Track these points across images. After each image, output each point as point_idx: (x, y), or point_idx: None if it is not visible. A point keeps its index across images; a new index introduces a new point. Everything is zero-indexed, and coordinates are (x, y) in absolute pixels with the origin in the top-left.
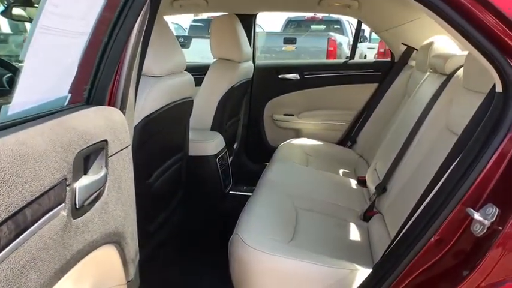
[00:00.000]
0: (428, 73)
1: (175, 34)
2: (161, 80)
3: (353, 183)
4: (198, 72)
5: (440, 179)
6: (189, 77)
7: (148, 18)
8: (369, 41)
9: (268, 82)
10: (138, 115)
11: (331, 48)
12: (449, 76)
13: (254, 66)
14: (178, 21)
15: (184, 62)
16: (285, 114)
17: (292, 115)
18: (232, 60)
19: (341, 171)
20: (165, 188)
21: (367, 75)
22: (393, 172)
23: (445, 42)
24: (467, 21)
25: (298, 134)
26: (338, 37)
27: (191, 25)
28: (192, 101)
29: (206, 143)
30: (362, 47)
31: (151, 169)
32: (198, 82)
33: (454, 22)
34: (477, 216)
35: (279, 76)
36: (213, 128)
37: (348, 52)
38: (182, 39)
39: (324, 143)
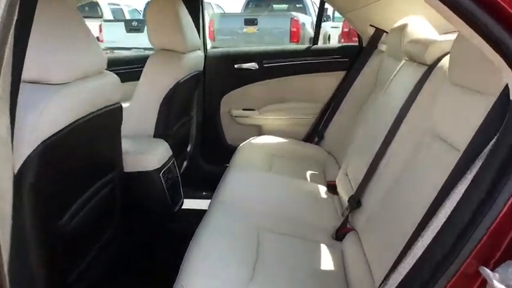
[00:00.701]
0: (403, 61)
1: (129, 17)
2: (65, 88)
3: (322, 190)
4: (140, 64)
5: (434, 211)
6: (111, 79)
7: (21, 5)
8: (333, 20)
9: (222, 73)
10: (32, 139)
11: (295, 29)
12: (431, 67)
13: (205, 55)
14: (134, 4)
15: (104, 59)
16: (244, 109)
17: (253, 110)
18: (175, 50)
19: (309, 173)
20: (88, 224)
21: (333, 62)
22: (368, 182)
23: (420, 25)
24: None
25: (260, 130)
26: (301, 17)
27: (146, 7)
28: (120, 107)
29: (146, 156)
30: (326, 26)
31: (62, 206)
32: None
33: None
34: (495, 280)
35: (235, 66)
36: (157, 133)
37: (311, 33)
38: (136, 23)
39: (289, 140)
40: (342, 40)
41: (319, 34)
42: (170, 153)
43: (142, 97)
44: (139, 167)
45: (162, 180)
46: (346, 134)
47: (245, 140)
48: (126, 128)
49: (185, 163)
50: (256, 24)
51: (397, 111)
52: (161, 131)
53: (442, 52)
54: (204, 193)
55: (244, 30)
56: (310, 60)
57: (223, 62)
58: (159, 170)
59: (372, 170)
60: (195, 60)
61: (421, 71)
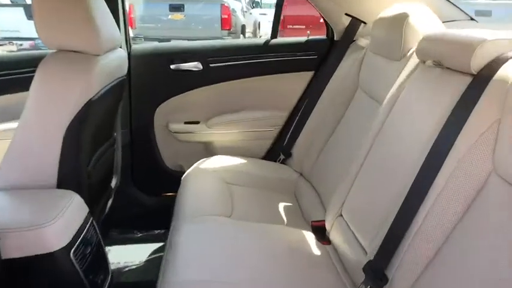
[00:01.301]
0: (411, 63)
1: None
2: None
3: (311, 242)
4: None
5: None
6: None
7: None
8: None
9: (155, 77)
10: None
11: (226, 16)
12: (483, 78)
13: (129, 54)
14: None
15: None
16: (187, 123)
17: (198, 122)
18: (84, 52)
19: (283, 209)
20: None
21: (298, 60)
22: (396, 244)
23: (423, 14)
24: None
25: (208, 149)
26: (231, 3)
27: None
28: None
29: (41, 231)
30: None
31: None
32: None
33: None
34: None
35: (172, 67)
36: (63, 180)
37: (242, 20)
38: None
39: (248, 160)
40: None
41: (278, 24)
42: (85, 211)
43: (33, 127)
44: (31, 249)
45: (75, 262)
46: (320, 152)
47: (189, 162)
48: (11, 176)
49: (110, 202)
50: (183, 10)
51: (427, 137)
52: (70, 175)
53: (490, 57)
54: (139, 233)
55: (170, 17)
56: (270, 57)
57: (155, 62)
58: (67, 248)
59: (400, 225)
60: (115, 63)
61: (463, 83)
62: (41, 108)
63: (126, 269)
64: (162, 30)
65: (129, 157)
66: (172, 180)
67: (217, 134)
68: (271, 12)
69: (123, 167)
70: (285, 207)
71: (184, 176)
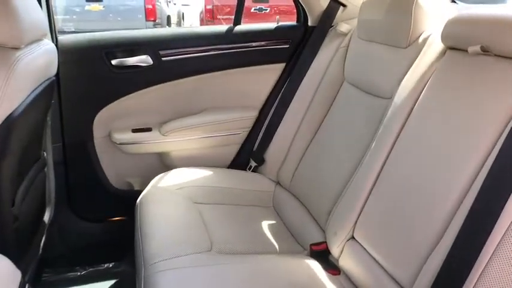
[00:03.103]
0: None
1: None
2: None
3: (321, 277)
4: None
5: None
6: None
7: None
8: None
9: (92, 76)
10: None
11: (150, 6)
12: None
13: (57, 47)
14: None
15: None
16: (135, 131)
17: (149, 130)
18: None
19: (266, 226)
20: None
21: (267, 50)
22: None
23: None
24: None
25: (164, 161)
26: None
27: None
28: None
29: None
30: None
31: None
32: None
33: None
34: None
35: (113, 62)
36: None
37: (167, 10)
38: None
39: (215, 171)
40: (206, 19)
41: (242, 7)
42: (16, 279)
43: None
44: None
45: None
46: (308, 159)
47: (141, 178)
48: None
49: (43, 240)
50: (101, 0)
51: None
52: None
53: None
54: (82, 271)
55: (87, 7)
56: (234, 48)
57: (90, 57)
58: None
59: (465, 253)
60: (42, 59)
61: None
62: None
63: None
64: (78, 23)
65: (64, 178)
66: (122, 202)
67: (174, 142)
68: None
69: (57, 192)
70: (270, 227)
71: (139, 199)
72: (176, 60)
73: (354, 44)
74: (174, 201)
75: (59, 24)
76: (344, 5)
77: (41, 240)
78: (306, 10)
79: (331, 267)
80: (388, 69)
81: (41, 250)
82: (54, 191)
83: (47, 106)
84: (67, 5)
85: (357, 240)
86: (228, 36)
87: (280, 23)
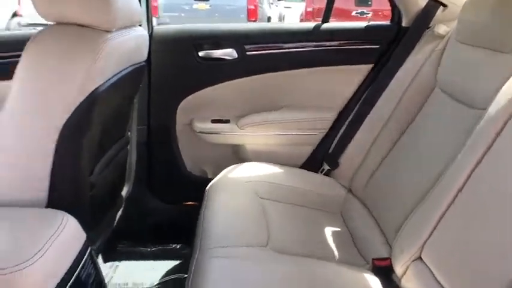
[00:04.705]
0: None
1: None
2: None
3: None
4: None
5: None
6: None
7: None
8: None
9: (180, 65)
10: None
11: (252, 7)
12: None
13: (151, 36)
14: None
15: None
16: (214, 121)
17: (227, 122)
18: (92, 26)
19: (330, 233)
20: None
21: (355, 50)
22: None
23: None
24: None
25: (238, 154)
26: None
27: None
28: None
29: (11, 276)
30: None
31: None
32: None
33: None
34: None
35: (200, 54)
36: (56, 198)
37: (268, 11)
38: None
39: (286, 169)
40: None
41: (332, 4)
42: (80, 240)
43: (16, 128)
44: None
45: None
46: (386, 168)
47: (215, 168)
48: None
49: (119, 212)
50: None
51: None
52: (64, 190)
53: None
54: (153, 247)
55: (194, 6)
56: (320, 46)
57: (180, 48)
58: None
59: None
60: (132, 43)
61: None
62: (27, 101)
63: None
64: (185, 19)
65: (146, 159)
66: (195, 187)
67: (250, 136)
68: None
69: (137, 170)
70: (334, 234)
71: (209, 186)
72: (260, 55)
73: (451, 47)
74: (241, 192)
75: (166, 20)
76: (444, 5)
77: (117, 213)
78: (401, 10)
79: (392, 286)
80: (486, 76)
81: (116, 222)
82: (135, 169)
83: (134, 89)
84: (177, 2)
85: (424, 262)
86: (315, 34)
87: (372, 22)
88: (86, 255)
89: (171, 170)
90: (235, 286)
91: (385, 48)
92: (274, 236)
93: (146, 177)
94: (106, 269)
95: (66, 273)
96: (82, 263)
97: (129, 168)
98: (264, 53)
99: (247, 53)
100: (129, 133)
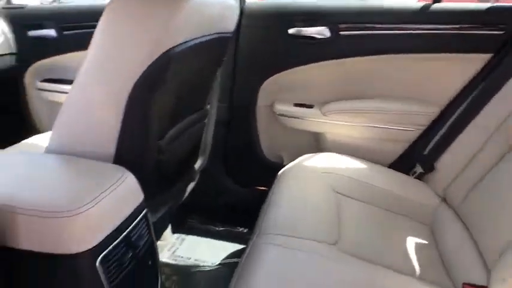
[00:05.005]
0: None
1: None
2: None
3: None
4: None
5: None
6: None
7: None
8: None
9: (268, 42)
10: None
11: None
12: None
13: (241, 9)
14: None
15: None
16: (297, 105)
17: (311, 107)
18: None
19: (413, 244)
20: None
21: (471, 36)
22: None
23: None
24: None
25: (319, 142)
26: None
27: None
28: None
29: (60, 220)
30: None
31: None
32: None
33: None
34: None
35: (290, 31)
36: (122, 156)
37: None
38: None
39: (371, 166)
40: None
41: None
42: (137, 199)
43: (89, 85)
44: (43, 243)
45: (101, 274)
46: (492, 181)
47: (292, 155)
48: (62, 141)
49: (191, 185)
50: None
51: None
52: (131, 150)
53: None
54: (220, 227)
55: None
56: (428, 29)
57: (270, 24)
58: (93, 253)
59: None
60: (216, 9)
61: None
62: (102, 55)
63: (196, 269)
64: None
65: (223, 138)
66: (269, 172)
67: (334, 124)
68: None
69: (213, 147)
70: (419, 247)
71: (282, 171)
72: (355, 36)
73: None
74: (315, 183)
75: None
76: None
77: (187, 186)
78: None
79: None
80: None
81: (186, 195)
82: (211, 146)
83: (216, 59)
84: None
85: None
86: (423, 15)
87: (496, 4)
88: (141, 216)
89: (247, 152)
90: (288, 279)
91: (509, 36)
92: (346, 236)
93: (221, 155)
94: (172, 239)
95: (117, 228)
96: (135, 222)
97: (204, 142)
98: (360, 34)
99: (341, 32)
100: (208, 107)
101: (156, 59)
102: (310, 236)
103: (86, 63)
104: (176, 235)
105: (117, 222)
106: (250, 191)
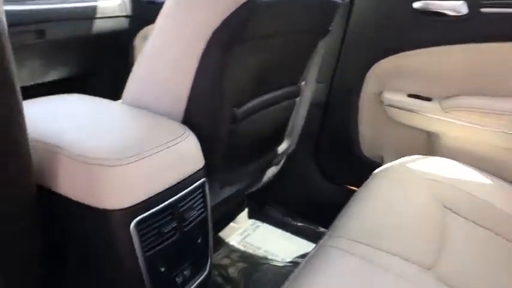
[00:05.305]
0: None
1: None
2: None
3: None
4: None
5: None
6: None
7: None
8: None
9: (386, 17)
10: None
11: None
12: None
13: None
14: None
15: None
16: (411, 96)
17: (429, 99)
18: None
19: None
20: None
21: None
22: None
23: None
24: None
25: (432, 144)
26: None
27: None
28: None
29: (98, 168)
30: None
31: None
32: None
33: None
34: None
35: (415, 6)
36: (190, 117)
37: None
38: None
39: (495, 181)
40: None
41: None
42: (196, 164)
43: (161, 42)
44: (77, 191)
45: (135, 239)
46: None
47: (396, 155)
48: (134, 95)
49: (273, 170)
50: None
51: None
52: (202, 111)
53: None
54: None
55: None
56: None
57: None
58: (127, 213)
59: None
60: None
61: None
62: (177, 10)
63: (264, 261)
64: None
65: (316, 123)
66: (365, 171)
67: (455, 124)
68: None
69: (303, 132)
70: None
71: (378, 170)
72: (501, 15)
73: None
74: (417, 190)
75: None
76: None
77: (266, 169)
78: None
79: None
80: None
81: (266, 178)
82: (301, 130)
83: (317, 26)
84: None
85: None
86: None
87: None
88: (196, 186)
89: (342, 144)
90: None
91: None
92: (447, 262)
93: (312, 143)
94: (247, 224)
95: (163, 192)
96: (187, 191)
97: (292, 125)
98: (508, 13)
99: (483, 9)
100: (302, 84)
101: (233, 12)
102: (401, 253)
103: (161, 17)
104: (251, 221)
105: (164, 184)
106: (340, 189)
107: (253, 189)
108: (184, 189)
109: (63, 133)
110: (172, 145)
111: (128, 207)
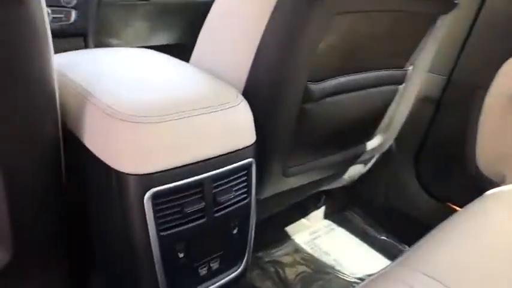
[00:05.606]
0: None
1: None
2: None
3: None
4: None
5: None
6: None
7: None
8: None
9: None
10: None
11: None
12: None
13: None
14: None
15: None
16: None
17: None
18: None
19: None
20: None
21: None
22: None
23: None
24: None
25: None
26: None
27: None
28: None
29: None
30: None
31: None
32: None
33: None
34: None
35: None
36: (254, 83)
37: None
38: None
39: None
40: None
41: None
42: (246, 140)
43: (223, 16)
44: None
45: (149, 214)
46: None
47: None
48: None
49: (359, 169)
50: None
51: None
52: (265, 79)
53: None
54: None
55: None
56: None
57: None
58: (144, 182)
59: None
60: None
61: None
62: None
63: (329, 270)
64: None
65: (425, 120)
66: (477, 190)
67: None
68: None
69: (404, 129)
70: None
71: (492, 191)
72: None
73: None
74: None
75: None
76: None
77: (349, 166)
78: None
79: None
80: None
81: (347, 177)
82: (401, 125)
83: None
84: None
85: None
86: None
87: None
88: (239, 165)
89: (453, 151)
90: None
91: None
92: None
93: (414, 144)
94: (320, 225)
95: (194, 164)
96: (226, 169)
97: (390, 118)
98: None
99: None
100: (409, 70)
101: None
102: None
103: None
104: (326, 222)
105: (197, 155)
106: (440, 206)
107: (332, 186)
108: (223, 166)
109: (101, 81)
110: (213, 110)
111: (144, 175)
